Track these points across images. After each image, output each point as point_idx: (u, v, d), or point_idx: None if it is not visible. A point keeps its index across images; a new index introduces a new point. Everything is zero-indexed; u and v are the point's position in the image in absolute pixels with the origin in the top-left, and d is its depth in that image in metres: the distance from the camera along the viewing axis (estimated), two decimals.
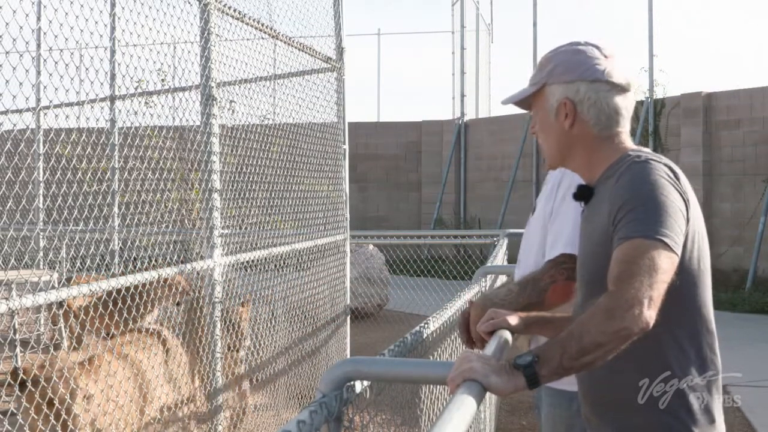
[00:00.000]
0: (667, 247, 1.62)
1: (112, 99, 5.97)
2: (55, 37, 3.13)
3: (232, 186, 4.50)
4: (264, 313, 5.07)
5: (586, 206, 1.92)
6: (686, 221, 1.71)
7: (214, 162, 4.05)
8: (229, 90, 4.59)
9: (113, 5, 3.99)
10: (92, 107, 4.19)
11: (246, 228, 4.73)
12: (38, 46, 7.79)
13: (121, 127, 6.15)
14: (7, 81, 2.90)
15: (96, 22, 3.34)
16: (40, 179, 7.64)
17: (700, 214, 1.80)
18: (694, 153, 13.25)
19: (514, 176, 16.13)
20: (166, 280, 4.38)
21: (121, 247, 7.44)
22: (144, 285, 3.77)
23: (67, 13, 3.17)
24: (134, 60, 3.75)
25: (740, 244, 12.73)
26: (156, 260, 4.45)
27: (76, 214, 3.86)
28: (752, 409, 5.80)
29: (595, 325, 1.56)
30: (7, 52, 2.89)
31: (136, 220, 4.79)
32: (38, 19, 7.18)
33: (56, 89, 3.26)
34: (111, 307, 3.93)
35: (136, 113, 4.74)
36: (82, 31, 3.25)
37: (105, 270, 6.53)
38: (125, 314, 3.86)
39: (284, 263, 5.19)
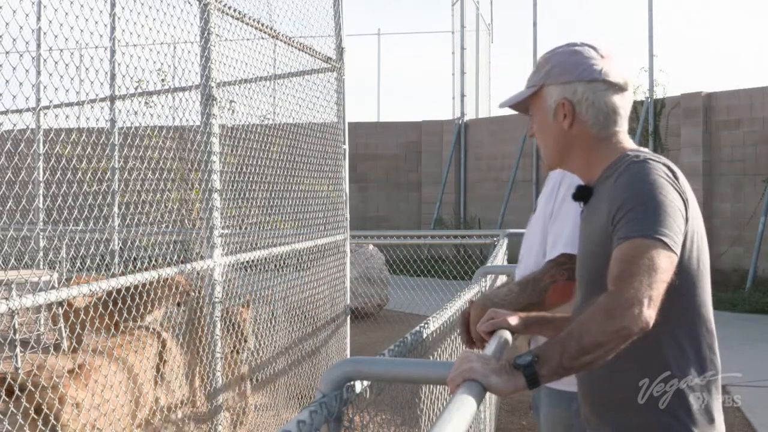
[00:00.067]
0: (667, 247, 1.62)
1: (112, 99, 5.97)
2: (55, 37, 3.14)
3: (232, 186, 4.50)
4: (264, 313, 5.07)
5: (585, 206, 1.92)
6: (685, 221, 1.71)
7: (214, 162, 4.05)
8: (229, 90, 4.59)
9: (113, 5, 3.99)
10: (92, 107, 4.19)
11: (246, 228, 4.73)
12: (38, 46, 7.79)
13: (121, 127, 6.15)
14: (7, 81, 2.90)
15: (96, 22, 3.34)
16: (40, 179, 7.64)
17: (699, 214, 1.80)
18: (694, 153, 13.25)
19: (514, 176, 16.13)
20: (166, 280, 4.37)
21: (121, 247, 7.44)
22: (144, 285, 3.77)
23: (67, 13, 3.17)
24: (134, 60, 3.75)
25: (740, 244, 12.73)
26: (156, 260, 4.46)
27: (76, 214, 3.86)
28: (752, 409, 5.80)
29: (594, 325, 1.56)
30: (7, 52, 2.89)
31: (136, 220, 4.79)
32: (38, 19, 7.18)
33: (56, 89, 3.26)
34: (111, 307, 3.93)
35: (136, 113, 4.74)
36: (82, 31, 3.25)
37: (105, 270, 6.53)
38: (125, 314, 3.86)
39: (284, 263, 5.19)
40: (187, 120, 4.33)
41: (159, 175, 5.17)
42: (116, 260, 7.21)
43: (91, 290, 3.07)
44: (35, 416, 3.12)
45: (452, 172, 17.53)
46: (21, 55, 3.39)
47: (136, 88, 4.60)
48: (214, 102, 4.05)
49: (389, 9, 36.56)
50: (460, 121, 17.76)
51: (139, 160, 4.98)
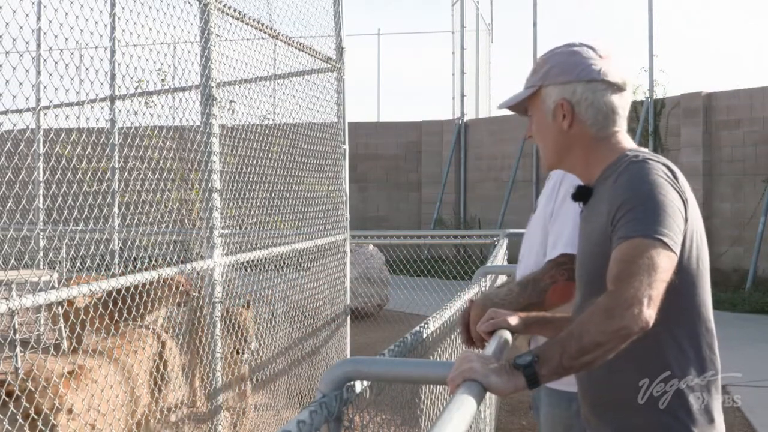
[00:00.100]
0: (666, 247, 1.62)
1: (112, 99, 5.97)
2: (55, 37, 3.14)
3: (232, 186, 4.50)
4: (264, 313, 5.07)
5: (584, 207, 1.92)
6: (684, 220, 1.71)
7: (214, 162, 4.05)
8: (229, 90, 4.59)
9: (113, 5, 3.99)
10: (92, 107, 4.19)
11: (246, 228, 4.73)
12: (38, 46, 7.79)
13: (121, 127, 6.15)
14: (7, 81, 2.90)
15: (96, 22, 3.34)
16: (40, 179, 7.64)
17: (699, 214, 1.80)
18: (694, 153, 13.25)
19: (514, 176, 16.13)
20: (166, 280, 4.37)
21: (121, 247, 7.44)
22: (144, 285, 3.77)
23: (67, 13, 3.17)
24: (134, 60, 3.75)
25: (740, 244, 12.73)
26: (156, 260, 4.46)
27: (76, 214, 3.86)
28: (752, 409, 5.80)
29: (594, 325, 1.56)
30: (7, 52, 2.89)
31: (136, 220, 4.80)
32: (38, 19, 7.18)
33: (56, 89, 3.26)
34: (111, 307, 3.93)
35: (136, 113, 4.74)
36: (82, 31, 3.25)
37: (105, 270, 6.53)
38: (125, 314, 3.86)
39: (284, 263, 5.19)
40: (187, 120, 4.33)
41: (159, 175, 5.17)
42: (116, 260, 7.21)
43: (91, 290, 3.07)
44: (35, 416, 3.11)
45: (452, 172, 17.53)
46: (21, 55, 3.39)
47: (136, 88, 4.60)
48: (214, 102, 4.05)
49: (389, 9, 36.58)
50: (460, 121, 17.76)
51: (139, 160, 4.98)
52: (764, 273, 12.11)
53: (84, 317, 4.81)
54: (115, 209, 6.74)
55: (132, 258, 6.52)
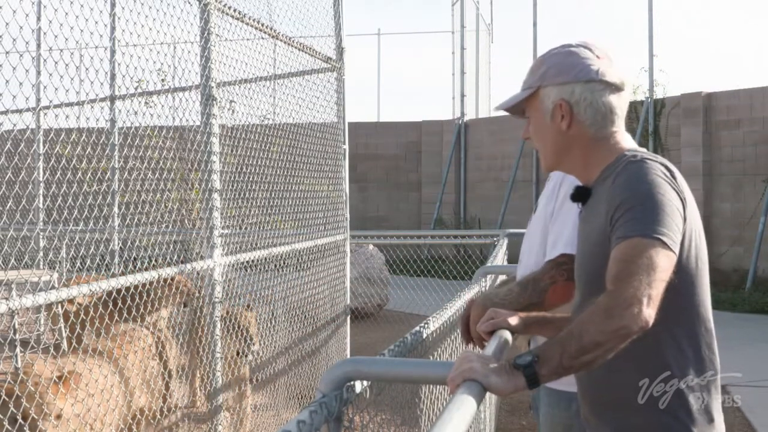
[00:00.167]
0: (665, 246, 1.62)
1: (112, 99, 5.98)
2: (55, 37, 3.14)
3: (232, 186, 4.50)
4: (264, 313, 5.07)
5: (583, 207, 1.92)
6: (683, 220, 1.71)
7: (214, 162, 4.05)
8: (229, 90, 4.59)
9: (113, 5, 3.99)
10: (92, 107, 4.20)
11: (246, 228, 4.73)
12: (38, 46, 7.79)
13: (121, 127, 6.15)
14: (7, 81, 2.90)
15: (96, 22, 3.34)
16: (40, 179, 7.64)
17: (697, 214, 1.80)
18: (694, 153, 13.25)
19: (514, 176, 16.13)
20: (166, 280, 4.37)
21: (121, 247, 7.44)
22: (144, 285, 3.77)
23: (67, 13, 3.17)
24: (134, 60, 3.75)
25: (740, 244, 12.73)
26: (156, 260, 4.46)
27: (76, 214, 3.86)
28: (752, 409, 5.80)
29: (594, 324, 1.56)
30: (7, 52, 2.89)
31: (136, 220, 4.80)
32: (38, 19, 7.18)
33: (56, 89, 3.26)
34: (111, 307, 3.93)
35: (136, 113, 4.74)
36: (82, 31, 3.25)
37: (105, 270, 6.53)
38: (125, 314, 3.86)
39: (284, 263, 5.19)
40: (187, 120, 4.33)
41: (159, 175, 5.17)
42: (116, 260, 7.21)
43: (91, 290, 3.07)
44: (22, 421, 3.09)
45: (452, 172, 17.53)
46: (21, 55, 3.39)
47: (136, 88, 4.60)
48: (214, 102, 4.05)
49: (389, 9, 36.59)
50: (460, 121, 17.76)
51: (139, 160, 4.98)
52: (764, 273, 12.11)
53: (84, 317, 4.81)
54: (115, 209, 6.74)
55: (132, 258, 6.52)
